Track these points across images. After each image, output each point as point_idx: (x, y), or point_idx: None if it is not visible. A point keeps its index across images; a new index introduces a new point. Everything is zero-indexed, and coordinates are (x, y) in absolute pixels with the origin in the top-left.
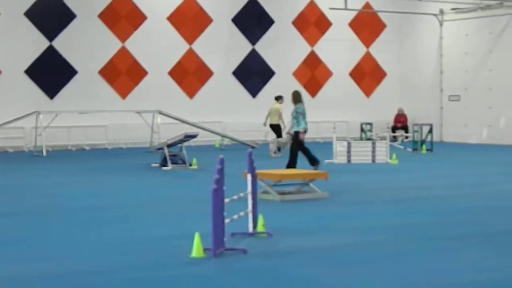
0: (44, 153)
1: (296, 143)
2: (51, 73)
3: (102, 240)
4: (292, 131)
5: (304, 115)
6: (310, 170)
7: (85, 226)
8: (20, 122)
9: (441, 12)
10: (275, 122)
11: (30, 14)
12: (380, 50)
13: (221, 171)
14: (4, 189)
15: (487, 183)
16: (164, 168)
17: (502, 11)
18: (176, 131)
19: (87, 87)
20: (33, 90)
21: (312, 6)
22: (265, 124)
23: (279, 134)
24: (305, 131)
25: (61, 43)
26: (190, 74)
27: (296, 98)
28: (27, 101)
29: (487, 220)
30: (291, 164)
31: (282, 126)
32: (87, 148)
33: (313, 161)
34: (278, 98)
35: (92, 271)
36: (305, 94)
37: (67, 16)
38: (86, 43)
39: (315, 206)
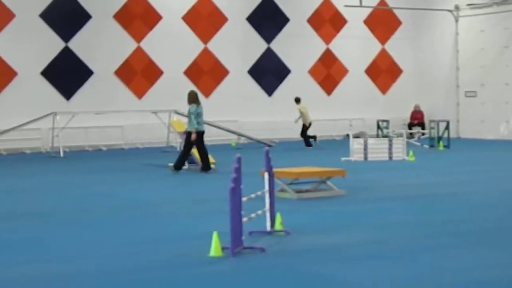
0: (62, 154)
1: (186, 143)
2: (67, 74)
3: (118, 239)
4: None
5: (197, 115)
6: (328, 168)
7: (100, 226)
8: (37, 124)
9: (457, 8)
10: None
11: (46, 15)
12: (396, 47)
13: (238, 170)
14: (23, 191)
15: (502, 179)
16: None
17: None
18: None
19: (103, 88)
20: (50, 92)
21: (327, 4)
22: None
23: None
24: (197, 132)
25: (76, 44)
26: (206, 73)
27: (189, 98)
28: (44, 103)
29: (501, 216)
30: (180, 163)
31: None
32: (104, 148)
33: (205, 167)
34: (300, 100)
35: (109, 271)
36: (321, 92)
37: (83, 17)
38: (102, 43)
39: (332, 204)
